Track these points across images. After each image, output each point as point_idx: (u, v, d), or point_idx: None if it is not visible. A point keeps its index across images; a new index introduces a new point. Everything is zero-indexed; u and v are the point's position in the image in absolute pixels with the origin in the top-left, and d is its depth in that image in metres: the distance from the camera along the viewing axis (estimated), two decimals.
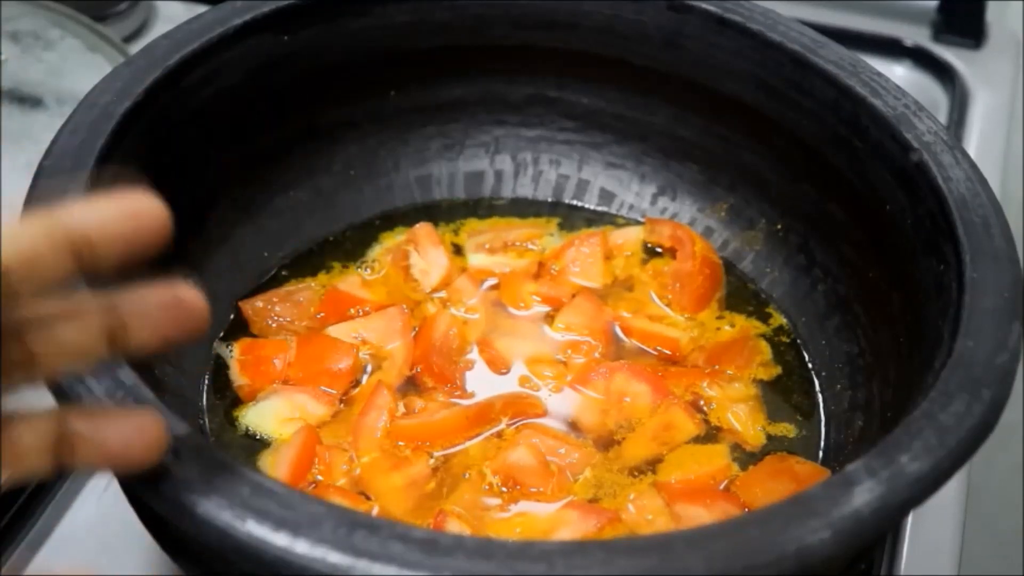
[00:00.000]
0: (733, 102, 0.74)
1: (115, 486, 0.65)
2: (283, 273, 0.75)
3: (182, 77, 0.65)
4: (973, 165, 0.62)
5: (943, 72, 1.03)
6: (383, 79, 0.77)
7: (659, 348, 0.72)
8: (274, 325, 0.71)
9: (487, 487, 0.63)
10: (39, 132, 0.81)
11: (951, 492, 0.70)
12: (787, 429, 0.68)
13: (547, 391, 0.69)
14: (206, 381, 0.68)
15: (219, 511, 0.43)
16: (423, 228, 0.77)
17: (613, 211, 0.81)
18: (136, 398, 0.47)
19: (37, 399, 0.43)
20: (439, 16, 0.75)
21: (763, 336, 0.74)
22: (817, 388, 0.71)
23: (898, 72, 1.03)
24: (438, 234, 0.77)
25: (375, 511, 0.62)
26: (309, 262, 0.76)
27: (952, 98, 1.00)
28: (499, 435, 0.66)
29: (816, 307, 0.73)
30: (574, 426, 0.68)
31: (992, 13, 1.07)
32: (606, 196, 0.81)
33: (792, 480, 0.64)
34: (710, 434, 0.68)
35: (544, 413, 0.68)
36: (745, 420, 0.68)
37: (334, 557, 0.42)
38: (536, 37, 0.76)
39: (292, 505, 0.44)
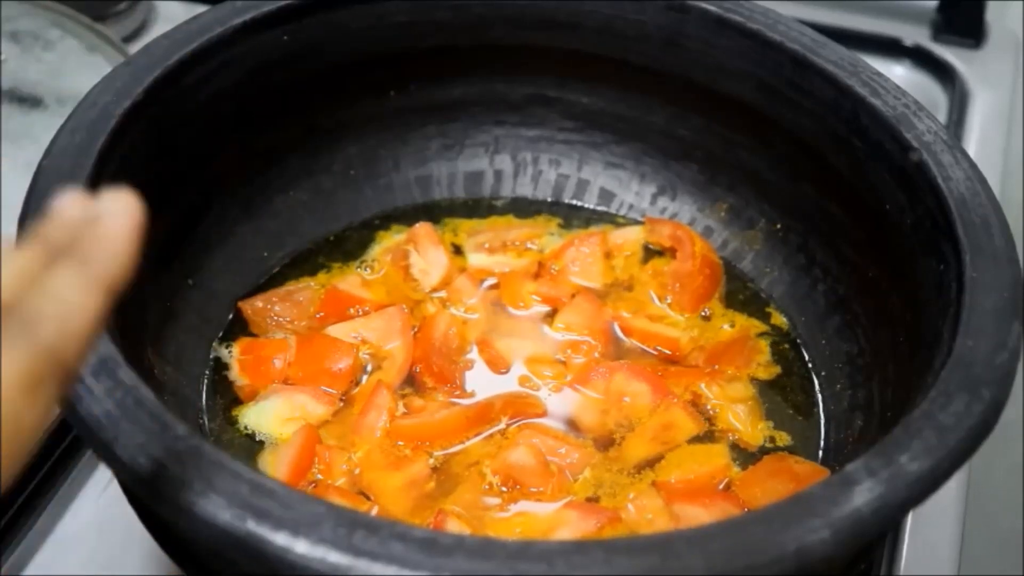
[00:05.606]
0: (733, 102, 0.74)
1: (115, 486, 0.65)
2: (283, 273, 0.75)
3: (181, 77, 0.65)
4: (973, 165, 0.62)
5: (943, 72, 1.03)
6: (383, 79, 0.77)
7: (659, 348, 0.72)
8: (274, 325, 0.71)
9: (487, 487, 0.63)
10: (39, 132, 0.81)
11: (951, 492, 0.70)
12: (786, 429, 0.68)
13: (547, 391, 0.69)
14: (206, 381, 0.68)
15: (219, 511, 0.43)
16: (423, 228, 0.77)
17: (613, 211, 0.81)
18: (136, 398, 0.47)
19: None
20: (439, 16, 0.75)
21: (763, 336, 0.74)
22: (817, 388, 0.71)
23: (898, 72, 1.03)
24: (438, 234, 0.77)
25: (375, 511, 0.62)
26: (309, 262, 0.76)
27: (952, 98, 1.00)
28: (499, 435, 0.66)
29: (816, 307, 0.73)
30: (574, 426, 0.67)
31: (992, 13, 1.07)
32: (606, 196, 0.81)
33: (791, 480, 0.63)
34: (709, 434, 0.68)
35: (544, 413, 0.68)
36: (744, 420, 0.68)
37: (334, 557, 0.42)
38: (536, 37, 0.76)
39: (292, 505, 0.44)
